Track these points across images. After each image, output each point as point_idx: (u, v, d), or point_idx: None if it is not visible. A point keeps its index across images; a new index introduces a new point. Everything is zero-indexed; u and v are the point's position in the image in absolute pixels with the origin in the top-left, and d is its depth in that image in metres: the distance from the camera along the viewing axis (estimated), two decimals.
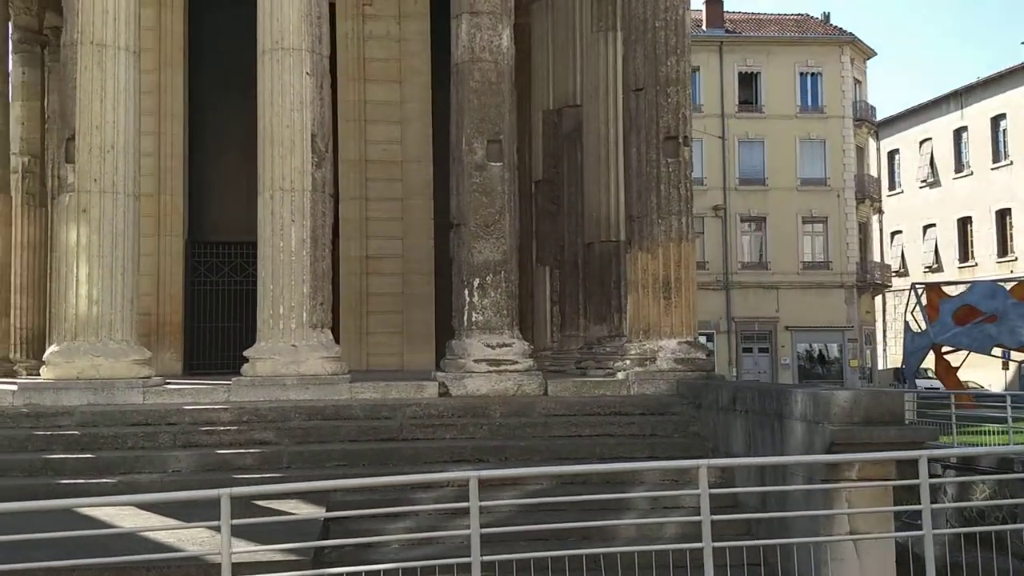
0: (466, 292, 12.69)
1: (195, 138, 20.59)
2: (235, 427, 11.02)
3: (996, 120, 48.58)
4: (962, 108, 50.96)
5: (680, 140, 13.23)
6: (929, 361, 29.88)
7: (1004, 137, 48.32)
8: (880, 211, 56.58)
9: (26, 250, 21.50)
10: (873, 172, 50.97)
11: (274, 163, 12.22)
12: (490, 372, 12.34)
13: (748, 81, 45.65)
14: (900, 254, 54.79)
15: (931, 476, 16.39)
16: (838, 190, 45.27)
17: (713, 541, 8.41)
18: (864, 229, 47.70)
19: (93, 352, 11.64)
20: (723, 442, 11.09)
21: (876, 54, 47.65)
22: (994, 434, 15.63)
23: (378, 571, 6.96)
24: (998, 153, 48.28)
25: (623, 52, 13.85)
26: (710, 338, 44.33)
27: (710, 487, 10.93)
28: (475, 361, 12.41)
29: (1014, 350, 26.60)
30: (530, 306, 21.98)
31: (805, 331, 44.60)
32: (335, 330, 20.05)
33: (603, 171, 15.86)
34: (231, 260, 20.32)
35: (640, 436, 11.72)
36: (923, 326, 28.41)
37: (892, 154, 56.74)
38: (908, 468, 15.26)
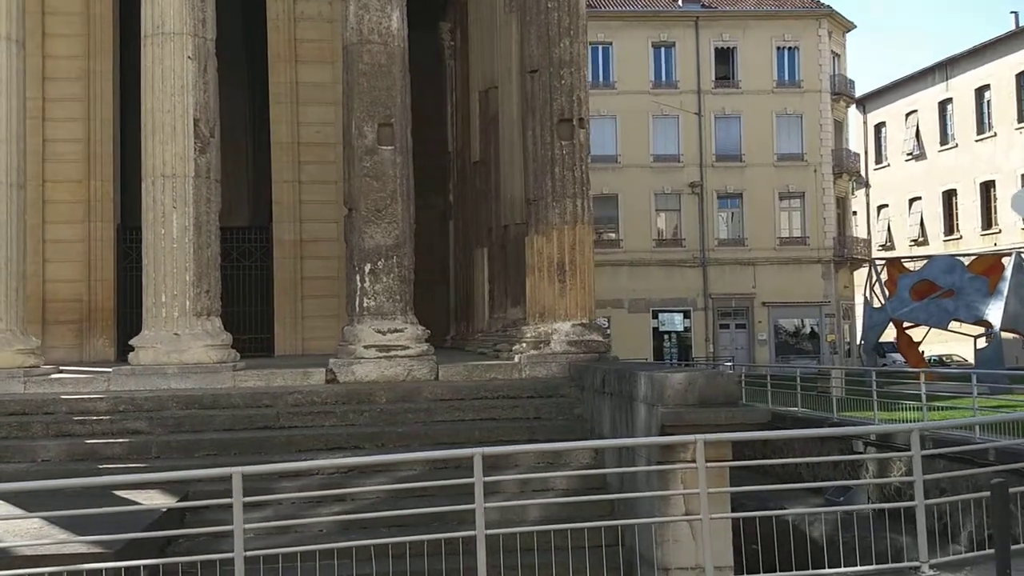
0: (357, 278, 12.63)
1: (129, 123, 20.47)
2: (108, 417, 11.02)
3: (980, 91, 48.07)
4: (947, 80, 50.43)
5: (574, 122, 13.08)
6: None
7: (988, 108, 47.82)
8: (867, 185, 56.19)
9: None
10: (852, 146, 50.53)
11: (155, 149, 12.14)
12: (379, 358, 12.29)
13: (725, 56, 45.14)
14: (887, 228, 54.48)
15: (853, 453, 16.23)
16: (815, 165, 44.84)
17: (583, 522, 8.44)
18: (843, 204, 47.33)
19: None
20: (598, 423, 11.06)
21: (855, 27, 47.05)
22: (912, 410, 15.53)
23: (177, 564, 6.91)
24: (982, 125, 47.82)
25: (520, 34, 13.68)
26: (687, 315, 44.28)
27: (584, 468, 10.96)
28: (365, 347, 12.36)
29: (970, 324, 26.39)
30: (471, 288, 21.95)
31: (782, 307, 44.38)
32: (269, 315, 20.16)
33: (516, 153, 15.72)
34: None
35: (523, 419, 11.70)
36: (882, 302, 28.23)
37: (879, 127, 56.28)
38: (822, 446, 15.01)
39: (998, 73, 46.50)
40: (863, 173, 56.06)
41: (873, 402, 16.65)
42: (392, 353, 12.33)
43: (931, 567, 6.74)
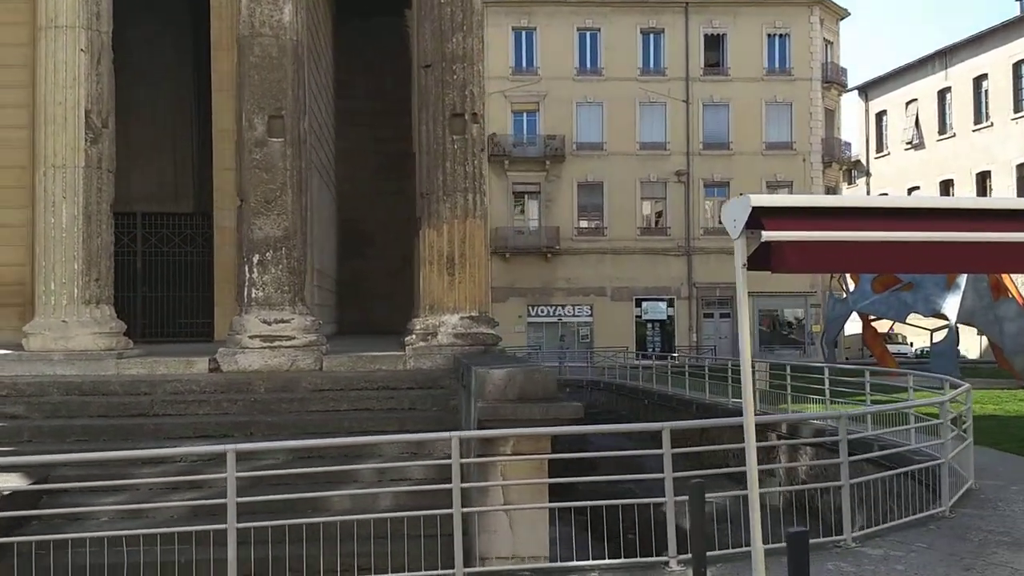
0: (246, 268, 12.84)
1: None
2: None
3: (979, 81, 47.52)
4: (946, 68, 49.89)
5: (467, 117, 13.17)
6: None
7: (986, 98, 47.29)
8: (868, 173, 55.76)
9: None
10: (848, 135, 50.16)
11: (46, 140, 12.41)
12: (263, 348, 12.51)
13: (714, 43, 44.89)
14: None
15: (766, 442, 16.25)
16: (804, 154, 44.58)
17: (434, 510, 8.63)
18: (833, 194, 46.98)
19: None
20: (462, 415, 11.23)
21: (849, 14, 46.53)
22: (817, 404, 15.63)
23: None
24: (980, 114, 47.33)
25: (416, 29, 13.76)
26: (671, 304, 44.26)
27: (447, 459, 11.13)
28: (250, 337, 12.58)
29: (927, 317, 26.28)
30: (414, 277, 22.14)
31: (768, 296, 44.21)
32: (210, 300, 20.42)
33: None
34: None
35: (399, 410, 11.88)
36: (847, 294, 28.19)
37: (880, 116, 55.79)
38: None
39: (996, 62, 45.95)
40: (864, 161, 55.64)
41: (787, 395, 16.79)
42: (277, 343, 12.53)
43: (679, 563, 6.87)
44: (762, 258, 5.03)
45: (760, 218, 4.85)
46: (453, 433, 6.92)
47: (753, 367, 20.84)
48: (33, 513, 9.46)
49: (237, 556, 7.01)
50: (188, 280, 20.88)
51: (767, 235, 4.79)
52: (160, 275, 21.24)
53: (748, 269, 5.05)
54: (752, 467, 5.09)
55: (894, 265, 5.98)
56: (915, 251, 5.16)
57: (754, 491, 5.17)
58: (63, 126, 12.41)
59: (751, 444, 5.08)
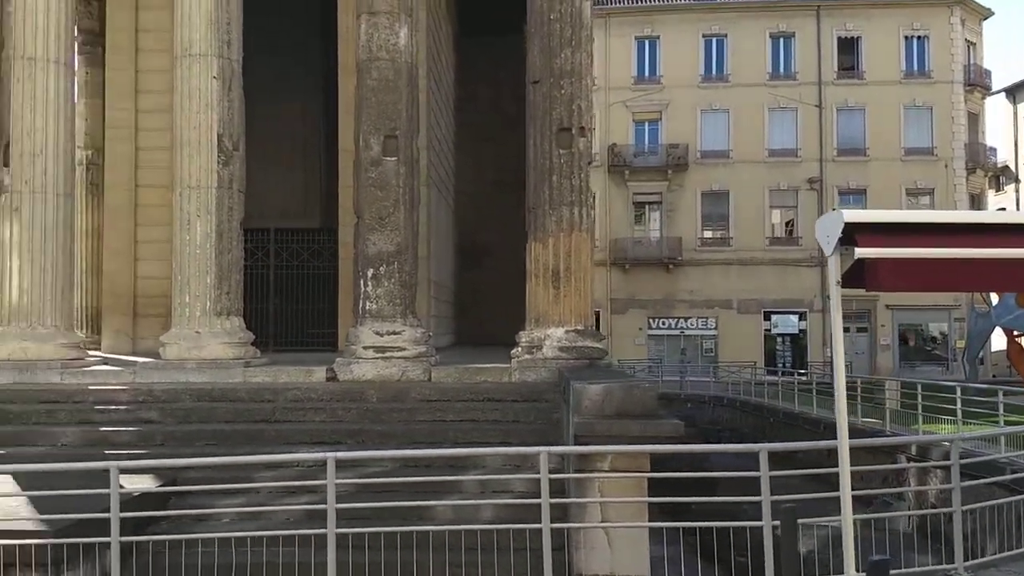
0: (361, 282, 13.36)
1: None
2: (125, 407, 12.20)
3: None
4: None
5: (574, 131, 13.29)
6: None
7: None
8: (1017, 180, 52.45)
9: (89, 237, 23.80)
10: (992, 140, 47.26)
11: (182, 162, 13.29)
12: (376, 359, 12.96)
13: (848, 46, 43.33)
14: None
15: (893, 464, 15.64)
16: (946, 160, 42.37)
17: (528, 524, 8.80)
18: (977, 201, 44.43)
19: (21, 337, 13.12)
20: (565, 428, 11.29)
21: (992, 14, 43.96)
22: (948, 424, 14.83)
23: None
24: None
25: (527, 46, 13.97)
26: (802, 317, 42.85)
27: (551, 473, 11.24)
28: (364, 348, 13.06)
29: None
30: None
31: (908, 310, 42.17)
32: (334, 312, 21.25)
33: None
34: (247, 244, 21.72)
35: (503, 422, 12.06)
36: (989, 308, 26.64)
37: None
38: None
39: None
40: (1012, 167, 52.37)
41: (919, 415, 16.03)
42: (388, 354, 12.96)
43: None
44: (856, 276, 4.89)
45: (854, 234, 4.71)
46: (541, 448, 7.02)
47: (883, 386, 20.07)
48: (162, 514, 10.14)
49: (336, 559, 7.33)
50: (315, 292, 21.80)
51: (860, 252, 4.66)
52: (290, 287, 22.28)
53: (843, 287, 4.93)
54: (845, 491, 4.96)
55: (996, 283, 5.71)
56: (1017, 268, 4.92)
57: (847, 519, 5.03)
58: (197, 149, 13.27)
59: (845, 468, 4.95)
